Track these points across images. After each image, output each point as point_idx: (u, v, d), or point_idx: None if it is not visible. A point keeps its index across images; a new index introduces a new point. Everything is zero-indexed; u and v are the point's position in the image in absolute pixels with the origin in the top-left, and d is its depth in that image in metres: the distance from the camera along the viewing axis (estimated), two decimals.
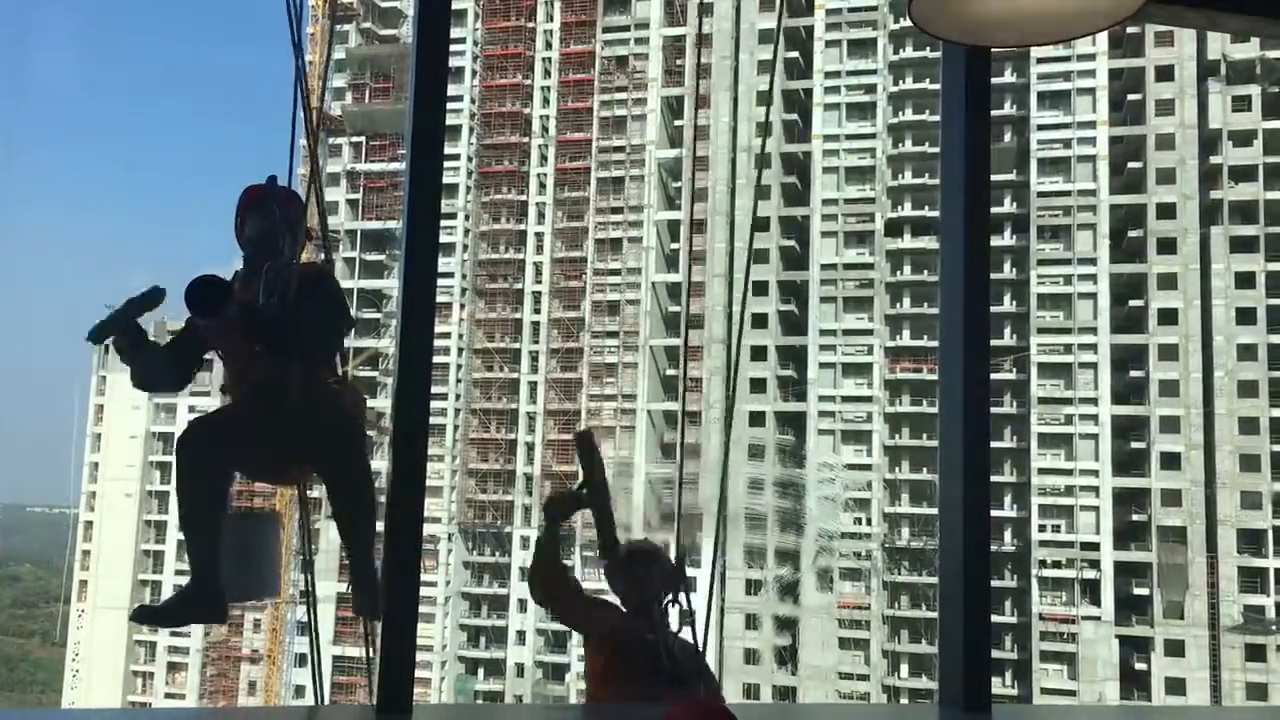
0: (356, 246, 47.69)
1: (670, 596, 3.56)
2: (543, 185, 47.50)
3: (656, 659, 3.36)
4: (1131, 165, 42.44)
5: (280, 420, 3.00)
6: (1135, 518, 40.28)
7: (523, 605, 42.38)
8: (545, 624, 42.11)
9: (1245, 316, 40.44)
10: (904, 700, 38.96)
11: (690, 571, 3.79)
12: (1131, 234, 41.99)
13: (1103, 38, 37.79)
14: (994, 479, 3.27)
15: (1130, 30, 39.06)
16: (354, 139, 48.75)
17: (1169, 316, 40.83)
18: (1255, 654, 38.22)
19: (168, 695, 46.06)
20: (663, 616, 3.53)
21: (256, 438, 3.03)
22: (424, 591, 2.59)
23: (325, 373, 3.18)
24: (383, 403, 44.34)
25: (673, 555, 3.74)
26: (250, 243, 3.20)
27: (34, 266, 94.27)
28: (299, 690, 41.83)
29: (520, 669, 42.93)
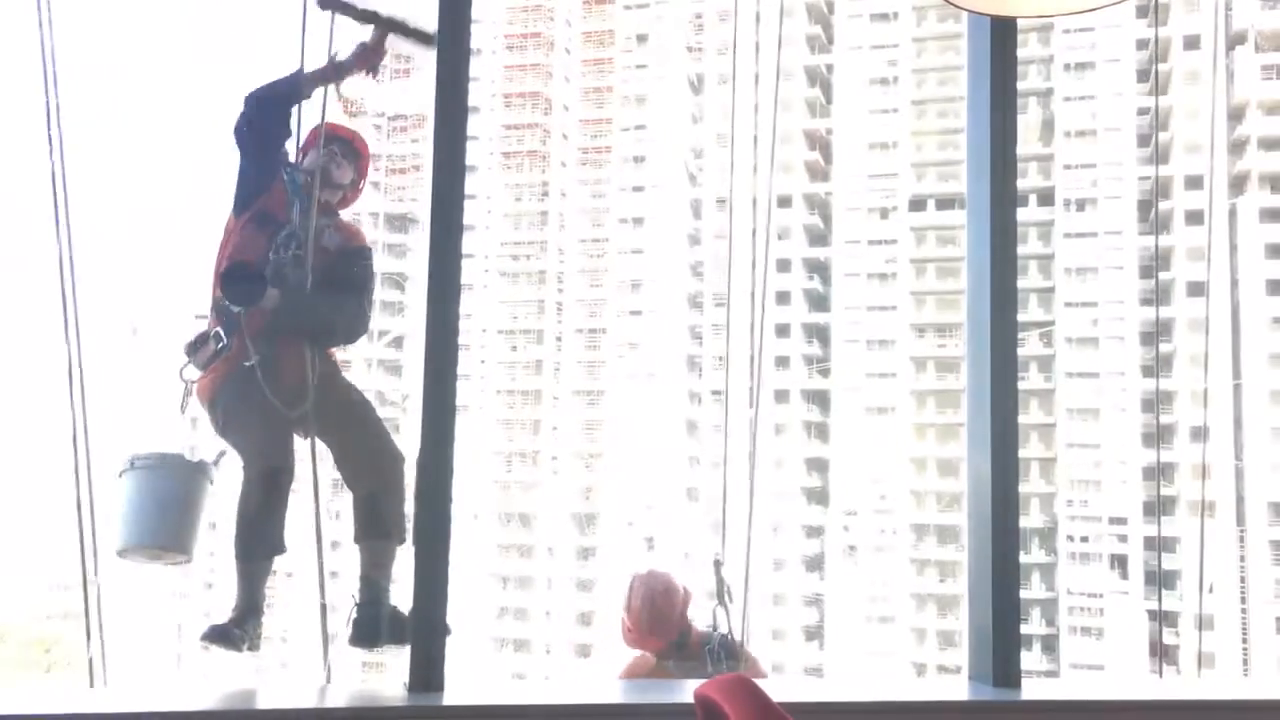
0: (379, 228, 47.72)
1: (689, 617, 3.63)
2: (564, 164, 47.38)
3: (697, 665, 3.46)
4: (1159, 136, 41.97)
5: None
6: (1164, 492, 39.99)
7: (550, 584, 42.58)
8: (573, 603, 42.30)
9: (1275, 288, 39.99)
10: (932, 675, 38.96)
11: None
12: (1160, 206, 41.56)
13: (1129, 7, 37.36)
14: (1021, 454, 3.25)
15: None
16: (375, 121, 48.69)
17: (1197, 289, 40.42)
18: None
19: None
20: (691, 633, 3.59)
21: None
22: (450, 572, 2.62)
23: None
24: (404, 384, 44.51)
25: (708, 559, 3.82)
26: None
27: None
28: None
29: (548, 648, 43.14)
